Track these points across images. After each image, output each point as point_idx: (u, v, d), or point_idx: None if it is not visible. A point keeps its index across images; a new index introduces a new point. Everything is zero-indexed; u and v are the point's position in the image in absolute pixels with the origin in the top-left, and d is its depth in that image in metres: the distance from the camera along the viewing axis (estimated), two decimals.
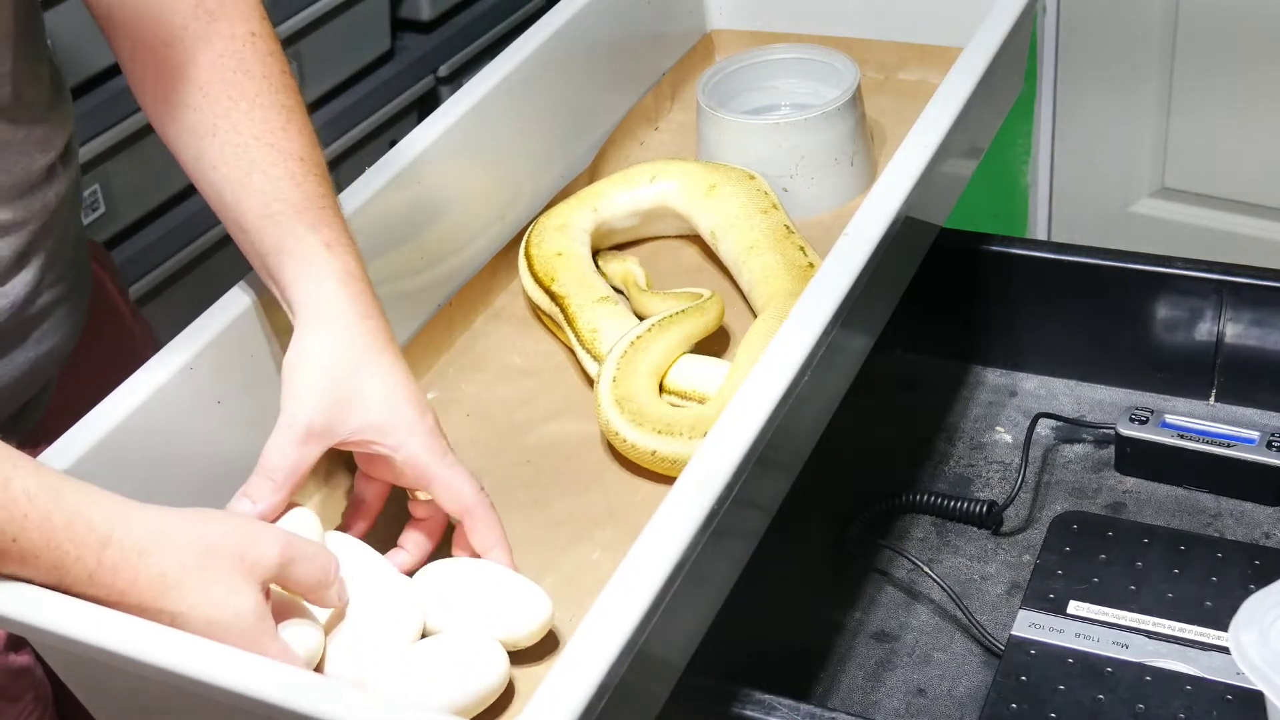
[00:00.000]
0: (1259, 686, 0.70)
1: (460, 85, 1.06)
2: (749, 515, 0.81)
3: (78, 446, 0.78)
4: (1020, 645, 0.85)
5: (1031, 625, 0.86)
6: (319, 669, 0.75)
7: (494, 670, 0.75)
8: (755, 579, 0.82)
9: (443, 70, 2.01)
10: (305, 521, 0.80)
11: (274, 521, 0.79)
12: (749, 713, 0.77)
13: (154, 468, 0.82)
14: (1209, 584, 0.87)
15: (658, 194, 1.07)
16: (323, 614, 0.76)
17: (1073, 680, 0.83)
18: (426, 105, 1.99)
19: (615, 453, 0.91)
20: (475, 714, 0.75)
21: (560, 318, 0.99)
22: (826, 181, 1.08)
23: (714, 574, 0.78)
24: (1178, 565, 0.88)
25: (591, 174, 1.15)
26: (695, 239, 1.08)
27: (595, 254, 1.07)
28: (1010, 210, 2.23)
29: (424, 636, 0.78)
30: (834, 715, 0.76)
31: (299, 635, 0.73)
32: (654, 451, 0.87)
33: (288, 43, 1.75)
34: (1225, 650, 0.80)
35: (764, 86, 1.18)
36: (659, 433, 0.87)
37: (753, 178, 1.05)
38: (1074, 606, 0.87)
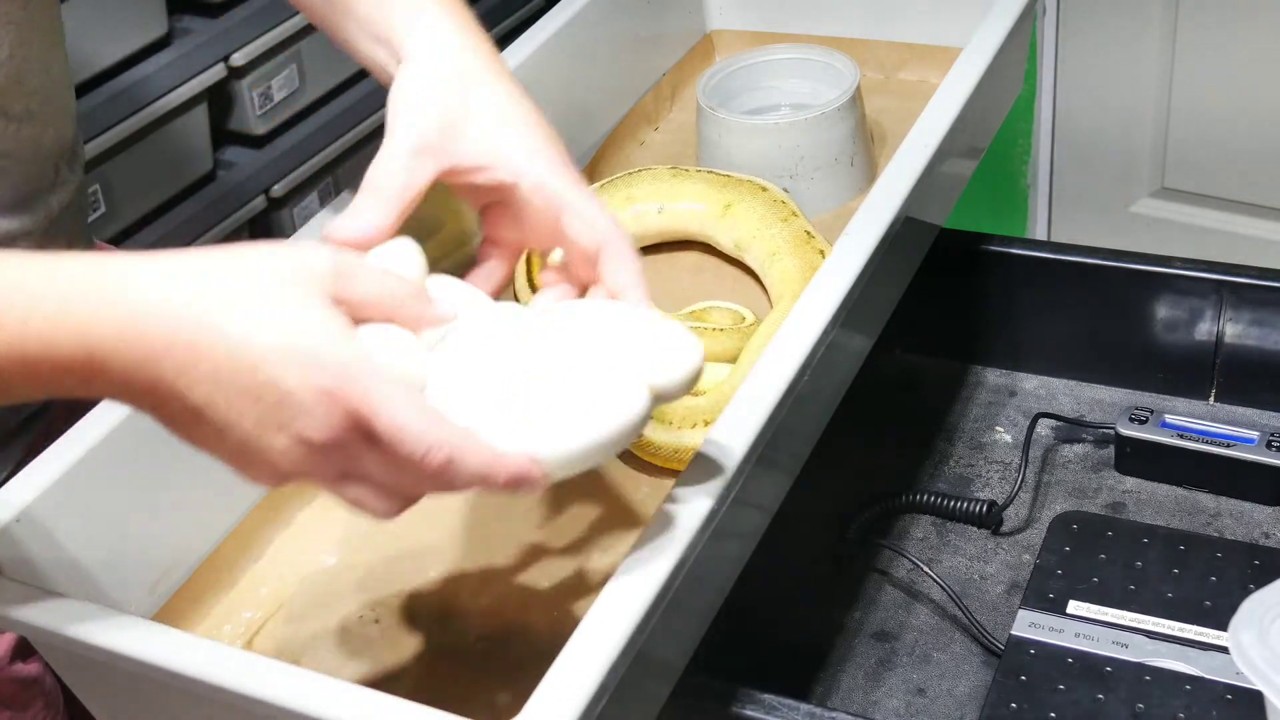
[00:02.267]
0: (1259, 686, 0.70)
1: None
2: (749, 515, 0.81)
3: (78, 447, 0.78)
4: (1020, 645, 0.85)
5: (1031, 625, 0.86)
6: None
7: (631, 406, 0.63)
8: (755, 579, 0.82)
9: None
10: (406, 250, 0.68)
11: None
12: (749, 713, 0.78)
13: (154, 468, 0.82)
14: (1209, 584, 0.87)
15: (668, 222, 1.07)
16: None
17: (1072, 680, 0.83)
18: None
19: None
20: (608, 456, 0.65)
21: None
22: (826, 181, 1.08)
23: (714, 574, 0.78)
24: (1177, 565, 0.88)
25: (591, 174, 1.15)
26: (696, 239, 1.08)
27: None
28: (1010, 210, 2.23)
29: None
30: (834, 715, 0.76)
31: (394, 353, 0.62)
32: (643, 438, 0.87)
33: (287, 43, 1.75)
34: (1225, 650, 0.80)
35: (764, 86, 1.18)
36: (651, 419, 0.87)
37: (765, 189, 1.05)
38: (1074, 606, 0.87)
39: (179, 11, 1.69)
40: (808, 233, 1.00)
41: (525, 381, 0.64)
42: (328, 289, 0.60)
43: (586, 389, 0.64)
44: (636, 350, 0.65)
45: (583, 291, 0.73)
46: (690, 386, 0.66)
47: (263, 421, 0.59)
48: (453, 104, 0.71)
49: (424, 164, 0.70)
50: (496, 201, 0.73)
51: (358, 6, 0.78)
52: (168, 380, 0.58)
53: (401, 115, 0.71)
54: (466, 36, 0.74)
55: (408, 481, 0.61)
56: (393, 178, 0.69)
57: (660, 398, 0.65)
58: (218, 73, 1.68)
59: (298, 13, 1.75)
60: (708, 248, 1.07)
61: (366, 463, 0.60)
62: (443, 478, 0.60)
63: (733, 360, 0.94)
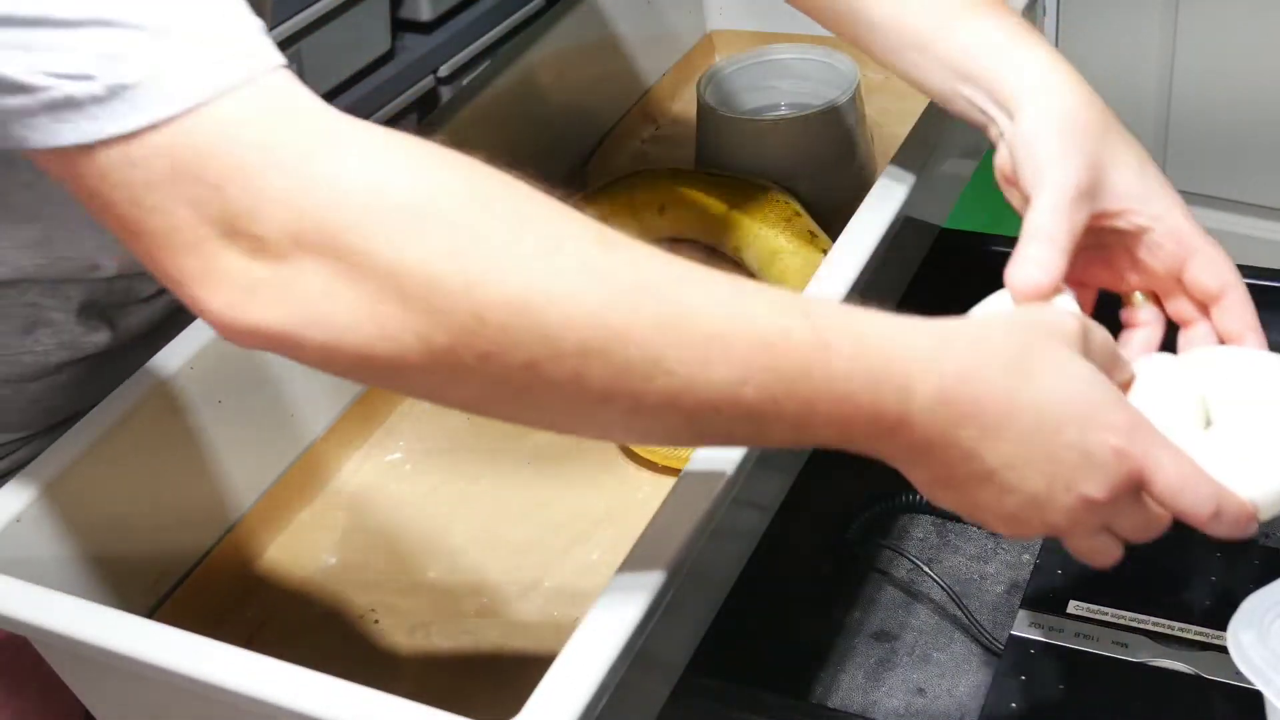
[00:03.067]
0: (1259, 686, 0.70)
1: (460, 85, 1.06)
2: (749, 515, 0.81)
3: (77, 447, 0.78)
4: (1020, 645, 0.85)
5: (1031, 625, 0.86)
6: None
7: None
8: (755, 579, 0.82)
9: (443, 70, 2.00)
10: (1071, 301, 0.72)
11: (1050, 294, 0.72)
12: (749, 713, 0.77)
13: (154, 467, 0.82)
14: (1209, 584, 0.87)
15: (669, 224, 1.06)
16: None
17: (1072, 680, 0.83)
18: (426, 105, 1.99)
19: (615, 452, 0.91)
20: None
21: None
22: (826, 181, 1.08)
23: (714, 574, 0.78)
24: (1178, 565, 0.88)
25: (591, 174, 1.15)
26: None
27: None
28: (1010, 210, 2.23)
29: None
30: (834, 715, 0.76)
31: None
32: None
33: (288, 43, 1.75)
34: (1225, 650, 0.79)
35: (764, 86, 1.18)
36: None
37: (767, 189, 1.04)
38: (1074, 606, 0.87)
39: None
40: (811, 233, 1.00)
41: (1210, 426, 0.69)
42: (1082, 350, 0.64)
43: (1273, 431, 0.68)
44: None
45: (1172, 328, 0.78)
46: None
47: (1055, 482, 0.62)
48: (1097, 151, 0.74)
49: (1082, 210, 0.73)
50: (1111, 244, 0.76)
51: (938, 45, 0.79)
52: (967, 444, 0.61)
53: (1054, 163, 0.73)
54: (1082, 82, 0.76)
55: (1155, 531, 0.65)
56: (1060, 226, 0.72)
57: None
58: None
59: (298, 11, 1.76)
60: (710, 249, 1.07)
61: (1124, 516, 0.64)
62: (1207, 528, 0.64)
63: None
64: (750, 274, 1.04)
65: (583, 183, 1.14)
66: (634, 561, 0.67)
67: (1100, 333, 0.66)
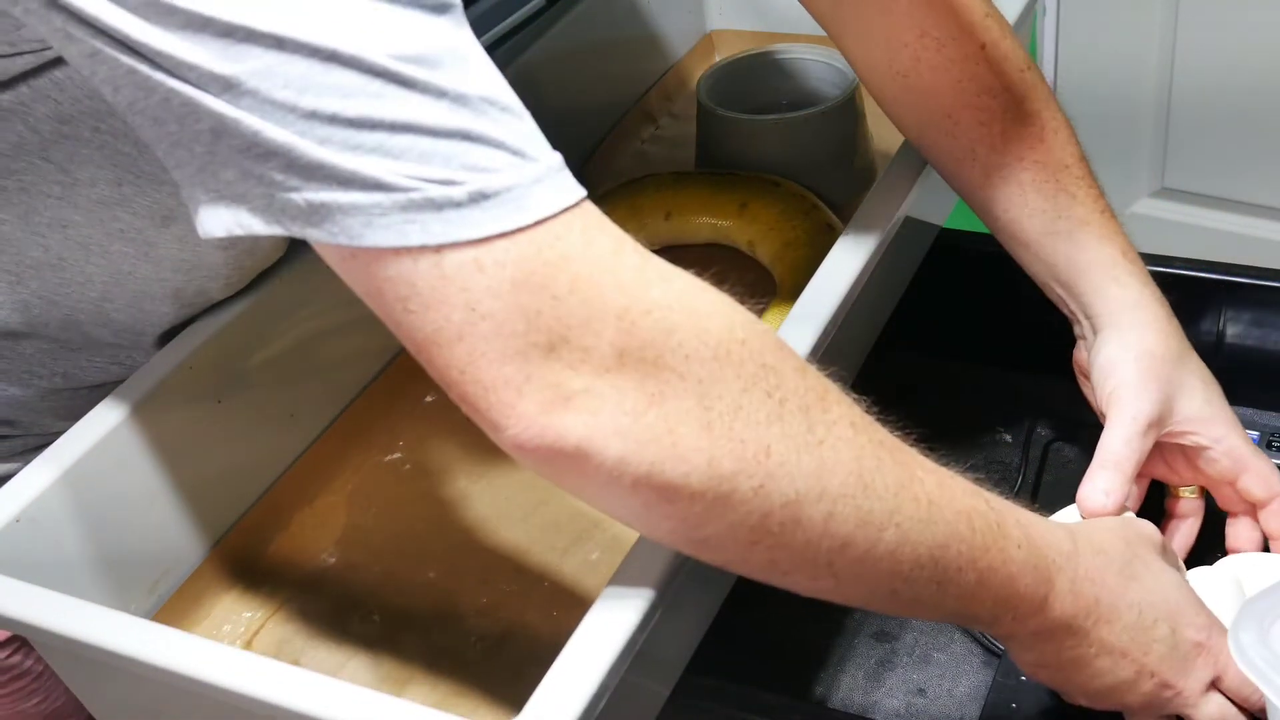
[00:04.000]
0: (1259, 686, 0.69)
1: None
2: None
3: (77, 447, 0.78)
4: None
5: None
6: None
7: None
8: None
9: None
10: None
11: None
12: (749, 713, 0.77)
13: (154, 467, 0.82)
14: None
15: (677, 228, 1.06)
16: None
17: None
18: None
19: None
20: None
21: None
22: (826, 181, 1.08)
23: (714, 574, 0.78)
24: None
25: (591, 174, 1.14)
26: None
27: None
28: None
29: None
30: (834, 715, 0.76)
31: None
32: None
33: None
34: None
35: (764, 86, 1.18)
36: None
37: (779, 183, 1.04)
38: None
39: None
40: (828, 225, 1.00)
41: None
42: (1164, 555, 0.75)
43: None
44: None
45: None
46: None
47: (1141, 671, 0.71)
48: (1172, 379, 0.83)
49: (1150, 437, 0.82)
50: (1171, 449, 0.86)
51: (1044, 247, 0.87)
52: (1080, 632, 0.69)
53: (1130, 394, 0.82)
54: (1165, 317, 0.85)
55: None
56: (1130, 457, 0.81)
57: None
58: None
59: None
60: (715, 248, 1.07)
61: (1199, 709, 0.72)
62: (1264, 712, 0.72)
63: None
64: (764, 268, 1.04)
65: (583, 183, 1.14)
66: (634, 561, 0.67)
67: (1167, 540, 0.77)
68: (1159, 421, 0.82)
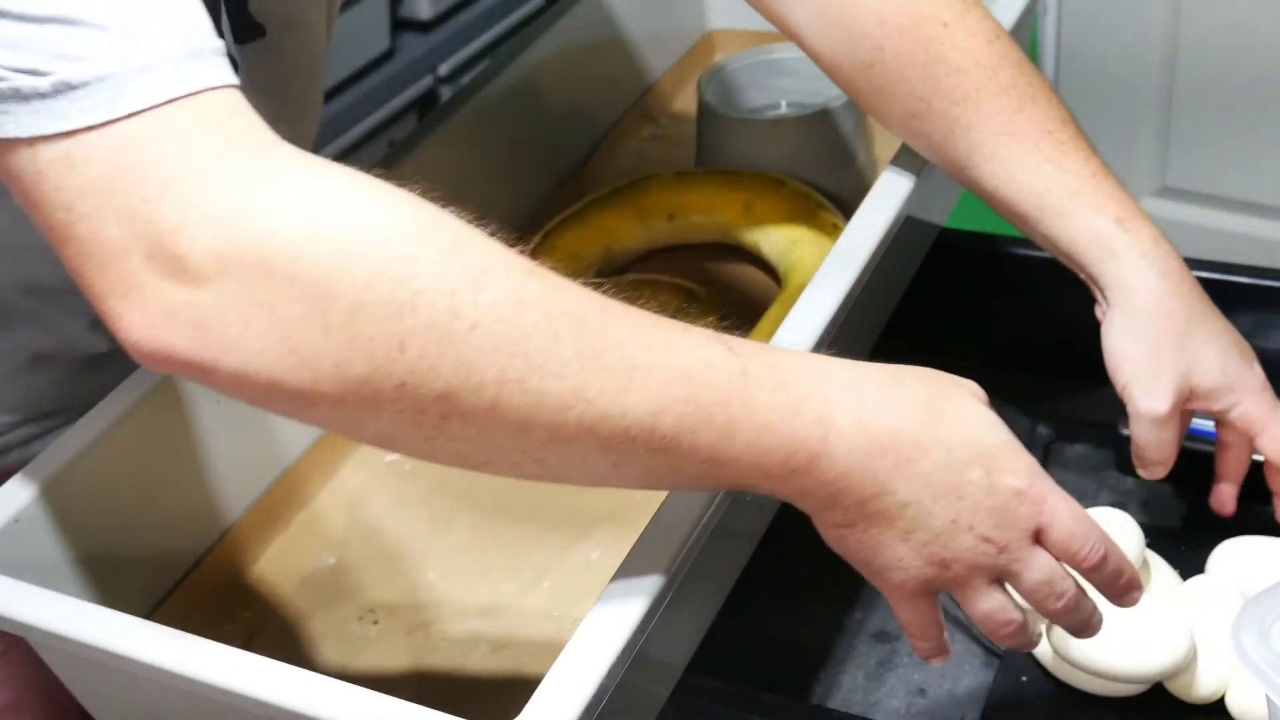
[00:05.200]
0: (1262, 686, 0.69)
1: (460, 85, 1.06)
2: (749, 515, 0.81)
3: (77, 447, 0.78)
4: None
5: None
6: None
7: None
8: (755, 579, 0.82)
9: (442, 70, 2.01)
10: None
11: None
12: (749, 713, 0.77)
13: (152, 467, 0.82)
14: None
15: (681, 228, 1.06)
16: None
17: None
18: (426, 105, 1.99)
19: None
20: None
21: None
22: (826, 181, 1.08)
23: (714, 574, 0.78)
24: (1178, 565, 0.88)
25: (591, 175, 1.14)
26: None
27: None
28: None
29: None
30: (834, 716, 0.76)
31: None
32: None
33: None
34: None
35: (764, 86, 1.18)
36: None
37: (783, 182, 1.04)
38: None
39: None
40: (835, 225, 1.00)
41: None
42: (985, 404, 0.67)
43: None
44: None
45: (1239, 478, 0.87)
46: None
47: (959, 520, 0.63)
48: (1179, 362, 0.81)
49: (1174, 422, 0.82)
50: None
51: (1035, 223, 0.85)
52: (883, 476, 0.62)
53: (1141, 389, 0.81)
54: (1168, 275, 0.82)
55: (1054, 582, 0.66)
56: (1162, 449, 0.82)
57: None
58: None
59: None
60: (719, 247, 1.07)
61: (1027, 565, 0.65)
62: (1096, 572, 0.66)
63: None
64: (769, 267, 1.04)
65: (583, 183, 1.14)
66: (634, 561, 0.67)
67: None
68: (1177, 406, 0.81)
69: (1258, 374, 0.83)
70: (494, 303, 0.55)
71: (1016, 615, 0.66)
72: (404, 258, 0.54)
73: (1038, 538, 0.65)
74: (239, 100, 0.55)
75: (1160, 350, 0.81)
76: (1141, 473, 0.84)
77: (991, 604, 0.66)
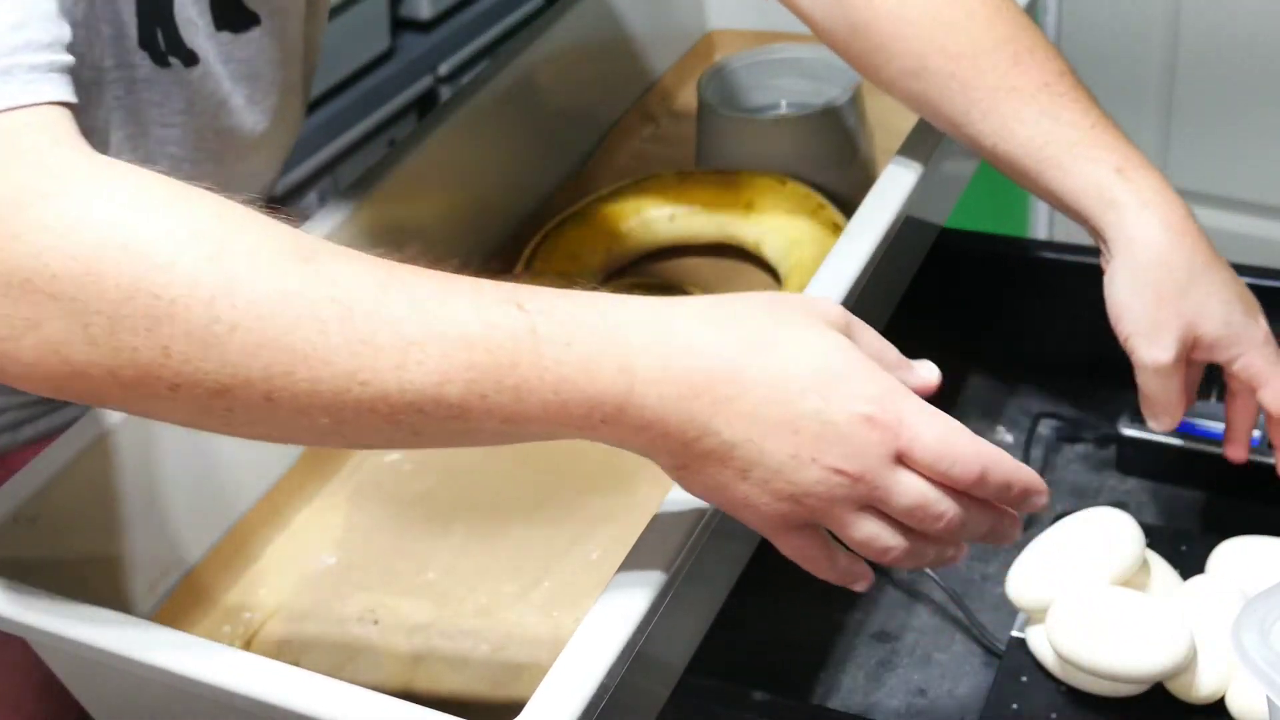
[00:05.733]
0: (1262, 687, 0.69)
1: (460, 85, 1.06)
2: None
3: (77, 446, 0.78)
4: (1020, 645, 0.85)
5: (1031, 625, 0.86)
6: None
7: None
8: (755, 579, 0.82)
9: (442, 70, 2.00)
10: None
11: None
12: (749, 713, 0.77)
13: (154, 468, 0.82)
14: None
15: (682, 227, 1.06)
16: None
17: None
18: (426, 104, 1.99)
19: (614, 452, 0.91)
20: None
21: None
22: (827, 181, 1.08)
23: (714, 574, 0.78)
24: (1179, 565, 0.88)
25: (591, 174, 1.14)
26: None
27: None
28: (1010, 210, 2.23)
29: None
30: (834, 716, 0.76)
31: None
32: None
33: None
34: None
35: (764, 86, 1.18)
36: None
37: (784, 182, 1.04)
38: None
39: None
40: (835, 224, 1.00)
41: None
42: (840, 326, 0.63)
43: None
44: None
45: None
46: None
47: (799, 454, 0.60)
48: (1182, 313, 0.81)
49: (1179, 372, 0.82)
50: None
51: (1035, 177, 0.84)
52: (702, 418, 0.60)
53: (1144, 342, 0.82)
54: (1168, 224, 0.81)
55: (928, 505, 0.62)
56: (1170, 397, 0.83)
57: None
58: None
59: None
60: (721, 247, 1.07)
61: (891, 492, 0.61)
62: (974, 486, 0.62)
63: None
64: (769, 267, 1.04)
65: (583, 183, 1.14)
66: (634, 561, 0.67)
67: (873, 335, 0.66)
68: (1180, 356, 0.81)
69: (1262, 326, 0.83)
70: (253, 303, 0.56)
71: (895, 541, 0.63)
72: (161, 267, 0.55)
73: (903, 461, 0.61)
74: (38, 117, 0.57)
75: (1163, 301, 0.81)
76: (1152, 424, 0.84)
77: (864, 532, 0.63)
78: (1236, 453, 0.88)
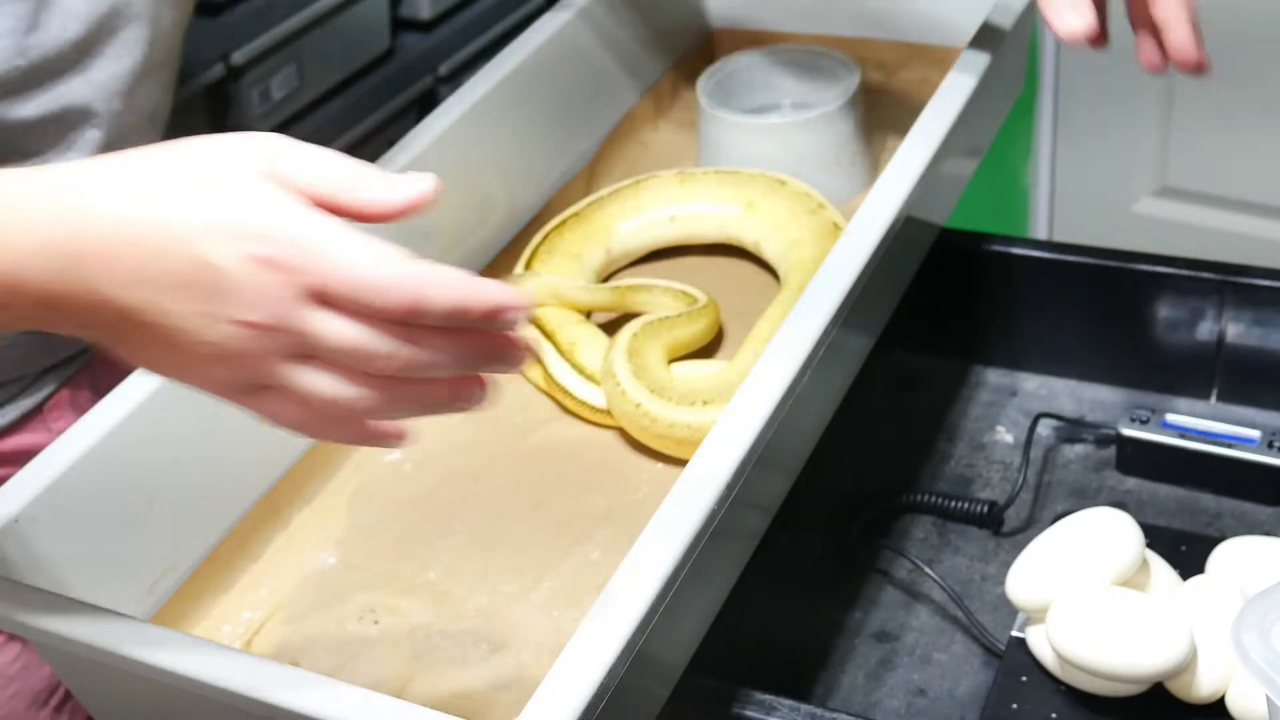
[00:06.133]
0: (1262, 687, 0.69)
1: (460, 85, 1.06)
2: (749, 515, 0.81)
3: (77, 446, 0.78)
4: (1020, 645, 0.85)
5: (1031, 625, 0.86)
6: None
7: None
8: (755, 579, 0.82)
9: (442, 70, 2.00)
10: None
11: None
12: (749, 713, 0.77)
13: (153, 468, 0.82)
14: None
15: (682, 228, 1.06)
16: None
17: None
18: (426, 104, 1.99)
19: (614, 452, 0.91)
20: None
21: (539, 334, 0.98)
22: (826, 181, 1.08)
23: (714, 574, 0.78)
24: (1178, 565, 0.88)
25: (592, 175, 1.14)
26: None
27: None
28: (1010, 210, 2.23)
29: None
30: (834, 715, 0.76)
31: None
32: (672, 424, 0.87)
33: (287, 41, 1.75)
34: None
35: (764, 86, 1.18)
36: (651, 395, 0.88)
37: (784, 182, 1.04)
38: None
39: None
40: (835, 224, 1.00)
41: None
42: (263, 168, 0.56)
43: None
44: None
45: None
46: None
47: (203, 311, 0.55)
48: None
49: None
50: None
51: None
52: (91, 285, 0.55)
53: None
54: None
55: (362, 346, 0.55)
56: None
57: None
58: (217, 72, 1.68)
59: (296, 12, 1.76)
60: (721, 247, 1.07)
61: (315, 337, 0.55)
62: (414, 317, 0.55)
63: (700, 343, 0.95)
64: (769, 267, 1.04)
65: (583, 183, 1.14)
66: (634, 562, 0.67)
67: (315, 157, 0.58)
68: None
69: None
70: None
71: (352, 391, 0.56)
72: None
73: (325, 301, 0.55)
74: None
75: None
76: (1056, 25, 0.82)
77: (309, 385, 0.56)
78: (1150, 59, 0.90)
